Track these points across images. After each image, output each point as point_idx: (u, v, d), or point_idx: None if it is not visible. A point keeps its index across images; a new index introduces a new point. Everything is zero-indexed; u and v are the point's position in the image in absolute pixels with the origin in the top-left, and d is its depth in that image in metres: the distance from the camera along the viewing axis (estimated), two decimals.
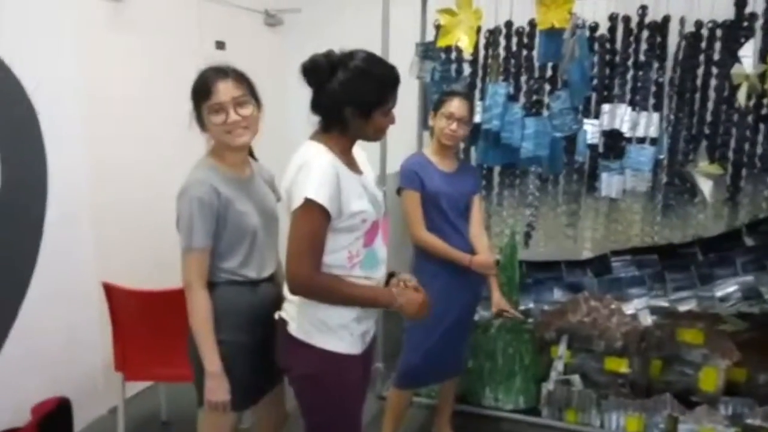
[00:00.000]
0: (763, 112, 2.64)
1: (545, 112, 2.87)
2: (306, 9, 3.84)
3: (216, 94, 1.65)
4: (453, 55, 3.08)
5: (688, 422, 2.71)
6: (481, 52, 3.03)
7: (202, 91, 1.68)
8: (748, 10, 2.58)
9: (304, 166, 1.51)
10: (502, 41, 2.97)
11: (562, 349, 2.98)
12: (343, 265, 1.58)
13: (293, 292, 1.57)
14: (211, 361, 1.67)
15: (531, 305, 3.18)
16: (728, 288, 2.88)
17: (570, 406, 2.89)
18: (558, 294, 3.18)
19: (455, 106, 2.28)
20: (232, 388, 1.70)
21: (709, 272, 2.91)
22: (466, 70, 3.08)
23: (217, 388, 1.68)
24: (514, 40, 2.95)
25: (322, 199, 1.47)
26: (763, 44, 2.54)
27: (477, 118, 2.86)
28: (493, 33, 2.97)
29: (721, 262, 2.89)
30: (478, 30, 2.89)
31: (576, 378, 2.95)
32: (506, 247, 3.03)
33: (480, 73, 3.05)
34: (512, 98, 2.90)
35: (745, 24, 2.58)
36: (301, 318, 1.61)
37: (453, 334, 2.44)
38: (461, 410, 2.95)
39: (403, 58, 2.57)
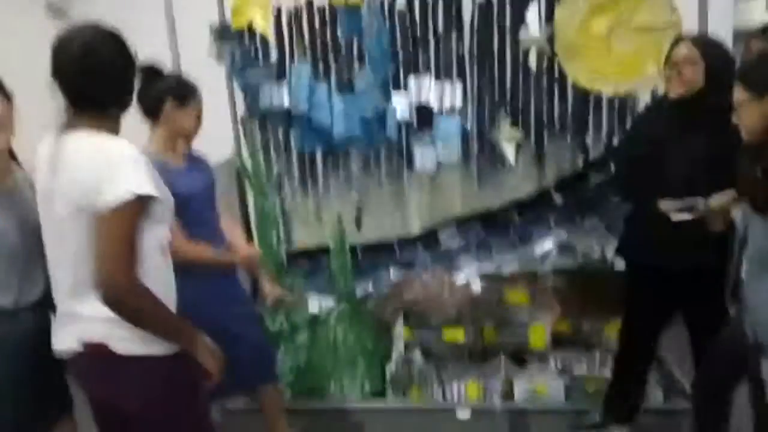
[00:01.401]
0: (555, 74, 2.75)
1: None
2: None
3: None
4: (257, 37, 2.91)
5: (522, 381, 2.80)
6: (286, 32, 2.89)
7: None
8: None
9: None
10: (305, 19, 2.85)
11: (399, 328, 2.96)
12: None
13: (113, 302, 1.33)
14: None
15: (370, 289, 3.14)
16: (545, 246, 3.01)
17: (413, 383, 2.87)
18: (394, 274, 3.15)
19: None
20: None
21: (527, 233, 3.03)
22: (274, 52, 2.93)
23: None
24: (317, 18, 2.85)
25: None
26: (547, 7, 2.64)
27: (286, 103, 2.73)
28: (296, 13, 2.85)
29: (536, 221, 3.01)
30: (280, 9, 2.76)
31: (417, 354, 2.95)
32: (334, 234, 2.95)
33: (289, 54, 2.92)
34: (321, 78, 2.80)
35: None
36: (126, 330, 1.37)
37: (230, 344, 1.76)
38: (308, 409, 2.84)
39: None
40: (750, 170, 1.65)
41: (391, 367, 2.90)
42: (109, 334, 1.37)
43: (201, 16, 2.72)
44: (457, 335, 2.93)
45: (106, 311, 1.33)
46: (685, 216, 1.91)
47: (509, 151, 2.81)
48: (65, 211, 1.35)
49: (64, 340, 1.42)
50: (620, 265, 2.74)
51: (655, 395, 2.73)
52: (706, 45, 1.98)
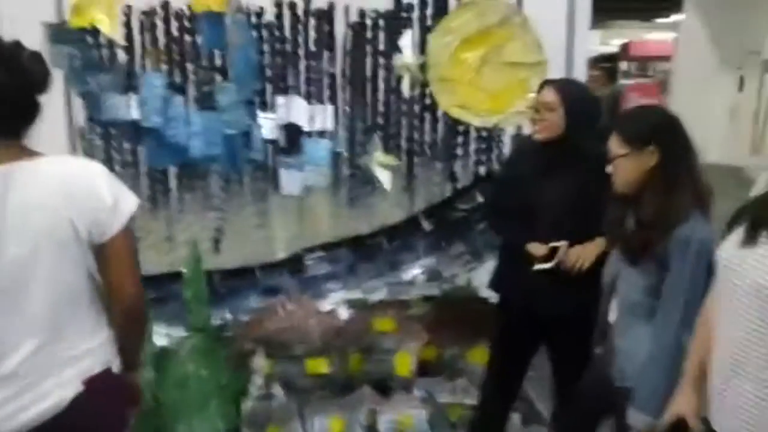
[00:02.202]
0: (427, 101, 2.72)
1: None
2: None
3: None
4: (102, 40, 2.57)
5: (386, 412, 2.74)
6: (137, 37, 2.59)
7: None
8: (405, 0, 2.61)
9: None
10: (160, 24, 2.57)
11: (259, 361, 2.77)
12: None
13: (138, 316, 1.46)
14: None
15: (228, 316, 2.91)
16: (413, 272, 2.98)
17: (271, 420, 2.70)
18: (255, 301, 2.95)
19: None
20: None
21: (396, 259, 2.98)
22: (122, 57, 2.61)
23: None
24: (174, 24, 2.58)
25: None
26: (421, 35, 2.60)
27: (134, 114, 2.44)
28: (149, 15, 2.56)
29: (405, 248, 2.97)
30: (129, 10, 2.46)
31: (277, 388, 2.78)
32: (189, 259, 2.69)
33: (139, 61, 2.61)
34: (178, 90, 2.54)
35: (404, 14, 2.61)
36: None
37: None
38: None
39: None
40: (622, 221, 1.68)
41: (247, 404, 2.70)
42: (109, 358, 1.43)
43: (33, 13, 2.34)
44: (320, 366, 2.79)
45: (101, 337, 1.40)
46: (545, 266, 1.95)
47: (383, 176, 2.74)
48: (26, 248, 1.27)
49: (55, 394, 1.32)
50: (485, 292, 2.78)
51: (513, 421, 2.78)
52: (567, 91, 2.02)
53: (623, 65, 16.75)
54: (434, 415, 2.78)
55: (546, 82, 2.06)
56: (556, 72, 2.40)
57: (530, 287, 2.07)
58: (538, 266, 1.98)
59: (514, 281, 2.19)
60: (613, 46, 16.57)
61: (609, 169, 1.66)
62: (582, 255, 1.97)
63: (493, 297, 2.64)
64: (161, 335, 2.77)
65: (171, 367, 2.67)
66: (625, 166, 1.62)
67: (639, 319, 1.66)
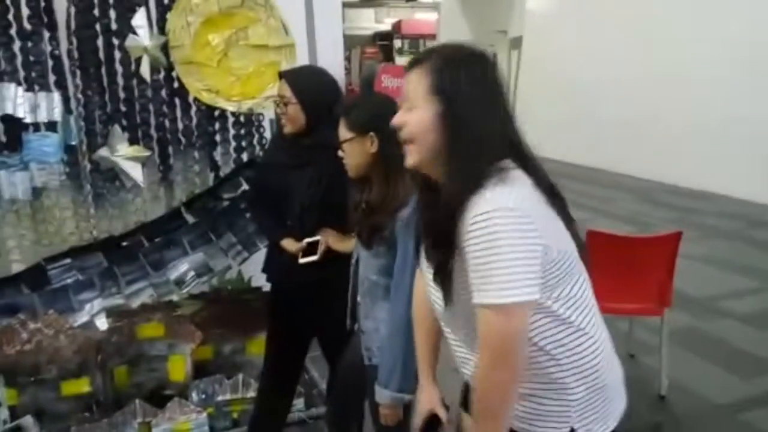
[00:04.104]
0: (175, 85, 2.52)
1: None
2: None
3: None
4: None
5: (161, 423, 2.54)
6: None
7: None
8: None
9: None
10: None
11: (0, 392, 2.38)
12: None
13: None
14: None
15: None
16: (181, 269, 2.78)
17: None
18: None
19: None
20: None
21: (160, 257, 2.75)
22: None
23: None
24: None
25: None
26: (158, 14, 2.38)
27: None
28: None
29: (169, 244, 2.76)
30: None
31: (28, 420, 2.42)
32: None
33: None
34: None
35: None
36: None
37: None
38: None
39: None
40: (358, 206, 1.71)
41: None
42: None
43: None
44: (80, 387, 2.50)
45: None
46: (311, 258, 1.93)
47: (133, 169, 2.49)
48: None
49: None
50: (259, 281, 2.70)
51: (296, 403, 2.77)
52: (299, 82, 1.96)
53: (398, 43, 17.74)
54: (215, 415, 2.66)
55: (280, 74, 2.00)
56: (301, 54, 2.37)
57: (287, 265, 2.04)
58: (303, 260, 1.95)
59: (277, 262, 2.14)
60: (386, 24, 17.40)
61: (340, 153, 1.68)
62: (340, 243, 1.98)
63: (266, 286, 2.58)
64: None
65: None
66: (350, 151, 1.65)
67: (378, 299, 1.72)
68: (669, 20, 7.42)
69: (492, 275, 1.01)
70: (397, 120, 1.18)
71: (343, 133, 1.67)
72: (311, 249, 1.98)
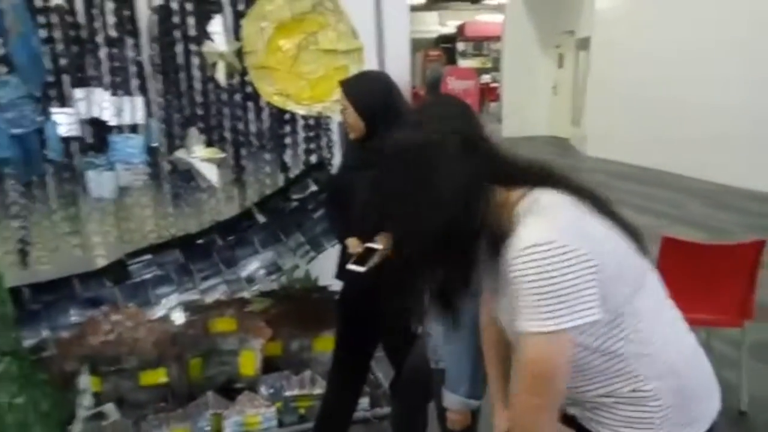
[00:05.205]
0: (248, 89, 2.61)
1: None
2: None
3: None
4: None
5: (231, 415, 2.63)
6: None
7: None
8: None
9: None
10: None
11: (84, 380, 2.53)
12: None
13: None
14: None
15: (46, 335, 2.62)
16: (252, 267, 2.88)
17: None
18: (76, 315, 2.68)
19: None
20: None
21: (232, 255, 2.86)
22: None
23: None
24: None
25: None
26: (234, 21, 2.47)
27: None
28: None
29: (241, 242, 2.86)
30: None
31: (110, 407, 2.56)
32: None
33: None
34: None
35: None
36: None
37: None
38: None
39: None
40: None
41: (77, 427, 2.46)
42: None
43: None
44: (157, 377, 2.62)
45: None
46: (358, 269, 1.94)
47: (209, 170, 2.59)
48: None
49: None
50: (326, 281, 2.76)
51: (361, 402, 2.80)
52: (354, 90, 2.01)
53: (461, 45, 17.66)
54: (283, 410, 2.73)
55: (340, 82, 2.05)
56: (369, 57, 2.41)
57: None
58: (351, 266, 1.97)
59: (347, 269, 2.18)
60: (450, 27, 17.36)
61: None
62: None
63: (334, 285, 2.63)
64: None
65: None
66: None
67: None
68: (752, 21, 7.03)
69: (531, 305, 1.00)
70: None
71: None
72: (367, 255, 1.98)
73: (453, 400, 1.62)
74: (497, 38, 13.96)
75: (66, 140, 2.33)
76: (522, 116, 11.77)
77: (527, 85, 11.95)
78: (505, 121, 12.08)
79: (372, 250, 1.95)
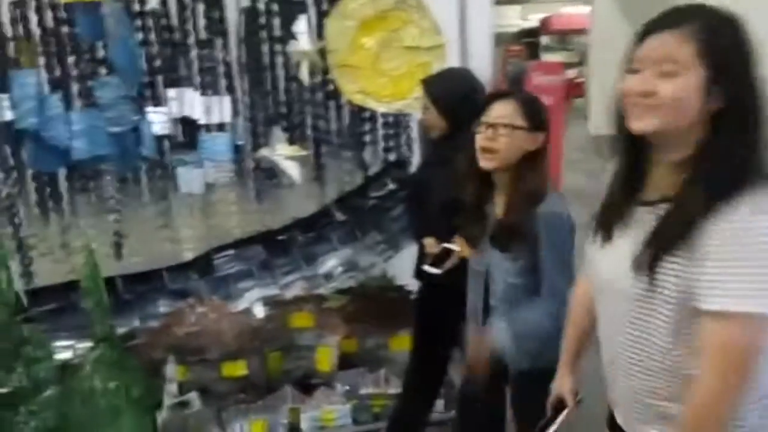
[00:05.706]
0: (330, 88, 2.63)
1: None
2: None
3: None
4: None
5: (308, 410, 2.67)
6: (9, 29, 2.36)
7: None
8: None
9: None
10: (33, 14, 2.35)
11: (171, 369, 2.64)
12: None
13: None
14: None
15: (136, 324, 2.76)
16: (330, 264, 2.90)
17: (188, 430, 2.58)
18: (164, 305, 2.81)
19: None
20: None
21: (311, 252, 2.90)
22: None
23: None
24: (48, 15, 2.36)
25: None
26: (318, 20, 2.49)
27: (8, 115, 2.24)
28: (19, 5, 2.33)
29: (320, 239, 2.89)
30: None
31: (193, 396, 2.66)
32: (85, 266, 2.51)
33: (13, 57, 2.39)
34: (56, 87, 2.34)
35: None
36: None
37: None
38: None
39: None
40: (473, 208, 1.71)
41: (162, 414, 2.57)
42: None
43: None
44: (237, 369, 2.69)
45: None
46: (434, 271, 1.90)
47: (291, 168, 2.63)
48: None
49: None
50: (403, 279, 2.74)
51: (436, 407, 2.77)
52: (436, 89, 1.99)
53: (544, 39, 17.15)
54: (357, 407, 2.74)
55: (422, 81, 2.01)
56: (452, 53, 2.36)
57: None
58: (427, 268, 1.93)
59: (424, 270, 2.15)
60: (532, 21, 16.89)
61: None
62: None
63: (410, 285, 2.61)
64: (64, 348, 2.61)
65: (76, 382, 2.51)
66: (512, 139, 1.61)
67: (518, 301, 1.66)
68: None
69: (748, 281, 0.95)
70: (643, 86, 1.08)
71: (514, 117, 1.61)
72: (444, 256, 1.94)
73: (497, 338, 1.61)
74: (583, 31, 13.45)
75: (159, 138, 2.43)
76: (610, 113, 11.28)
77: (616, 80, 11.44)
78: (593, 119, 11.62)
79: (449, 251, 1.91)
